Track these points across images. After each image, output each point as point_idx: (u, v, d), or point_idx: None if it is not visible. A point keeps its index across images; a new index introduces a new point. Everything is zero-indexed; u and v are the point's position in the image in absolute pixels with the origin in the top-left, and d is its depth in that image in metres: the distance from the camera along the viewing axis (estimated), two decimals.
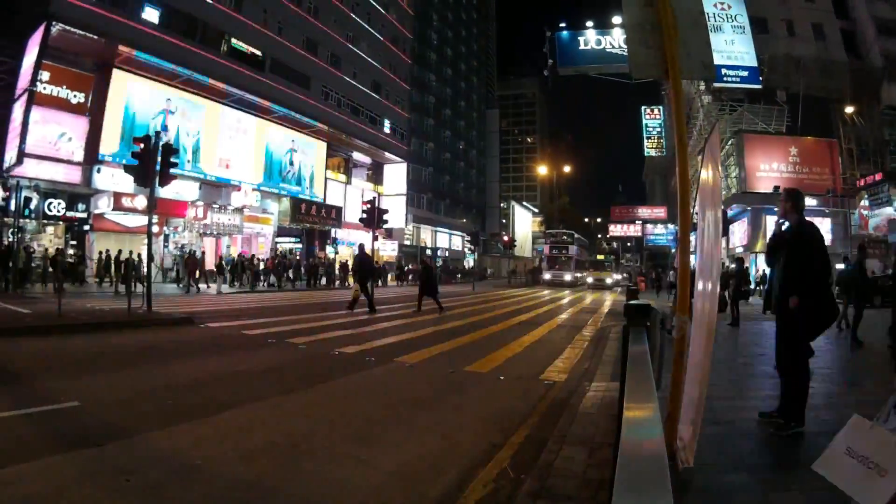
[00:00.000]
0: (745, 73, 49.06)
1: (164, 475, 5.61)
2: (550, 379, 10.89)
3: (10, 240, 31.23)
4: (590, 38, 55.02)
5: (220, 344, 14.68)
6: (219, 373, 10.85)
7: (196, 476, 5.63)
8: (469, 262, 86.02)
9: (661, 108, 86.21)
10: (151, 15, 40.25)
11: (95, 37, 35.91)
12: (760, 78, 49.33)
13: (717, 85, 49.66)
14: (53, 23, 33.80)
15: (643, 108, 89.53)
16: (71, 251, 36.15)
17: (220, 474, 5.72)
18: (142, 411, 7.86)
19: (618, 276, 73.93)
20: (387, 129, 70.83)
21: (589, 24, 56.34)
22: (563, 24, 56.63)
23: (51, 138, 35.38)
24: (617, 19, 52.64)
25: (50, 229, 37.84)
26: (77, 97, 36.93)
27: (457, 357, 13.10)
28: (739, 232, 54.42)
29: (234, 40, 47.22)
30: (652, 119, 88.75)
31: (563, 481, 5.30)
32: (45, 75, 34.82)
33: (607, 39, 54.46)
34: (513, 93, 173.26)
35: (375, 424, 7.68)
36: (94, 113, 37.72)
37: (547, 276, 68.43)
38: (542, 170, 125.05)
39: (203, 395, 9.07)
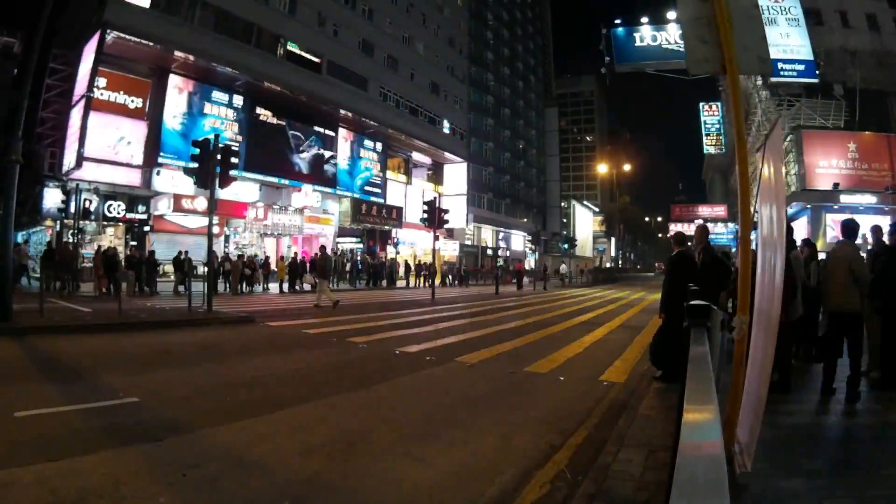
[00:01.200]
0: (802, 67, 46.55)
1: (221, 470, 5.61)
2: (610, 380, 10.61)
3: (69, 241, 31.64)
4: (645, 34, 54.19)
5: (280, 342, 14.64)
6: (278, 371, 10.80)
7: (253, 471, 5.63)
8: (531, 261, 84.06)
9: (719, 104, 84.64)
10: (206, 20, 40.25)
11: (150, 43, 36.05)
12: (817, 72, 47.57)
13: (773, 80, 48.03)
14: (108, 31, 33.97)
15: (701, 104, 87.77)
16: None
17: (277, 470, 5.68)
18: (200, 408, 7.90)
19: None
20: (446, 130, 69.72)
21: (644, 19, 55.74)
22: (618, 21, 56.11)
23: (109, 142, 35.69)
24: (672, 14, 51.93)
25: (110, 230, 38.36)
26: (135, 102, 37.18)
27: (517, 357, 12.86)
28: (799, 230, 52.76)
29: (290, 43, 47.00)
30: (710, 116, 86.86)
31: (620, 484, 5.19)
32: (101, 81, 35.14)
33: (663, 35, 53.55)
34: (570, 91, 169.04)
35: (434, 424, 7.57)
36: (153, 117, 37.97)
37: None
38: (602, 168, 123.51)
39: (262, 392, 9.05)
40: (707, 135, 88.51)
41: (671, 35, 51.92)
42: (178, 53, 38.17)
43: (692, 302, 5.00)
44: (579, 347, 14.71)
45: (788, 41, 46.60)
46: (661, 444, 6.17)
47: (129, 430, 6.77)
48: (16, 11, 33.45)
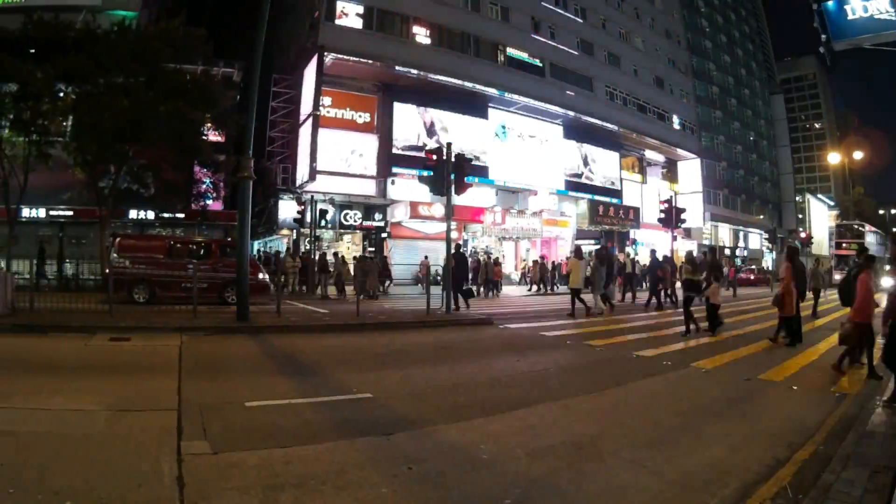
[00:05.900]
0: None
1: (447, 466, 5.36)
2: (843, 390, 9.21)
3: (307, 248, 31.20)
4: (855, 5, 49.89)
5: (517, 344, 13.57)
6: (512, 372, 10.08)
7: (479, 469, 5.36)
8: (768, 261, 74.75)
9: None
10: (420, 34, 38.26)
11: (369, 61, 34.67)
12: None
13: None
14: (325, 53, 33.11)
15: None
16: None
17: (503, 469, 5.37)
18: (433, 405, 7.57)
19: None
20: (676, 125, 62.67)
21: None
22: None
23: (342, 156, 34.54)
24: None
25: (347, 237, 37.54)
26: (363, 117, 35.89)
27: (751, 363, 11.55)
28: None
29: (509, 49, 43.40)
30: None
31: None
32: (326, 100, 34.41)
33: (873, 5, 49.37)
34: (792, 75, 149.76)
35: (663, 430, 6.97)
36: (382, 130, 36.08)
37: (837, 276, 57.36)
38: (834, 158, 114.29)
39: (496, 392, 8.51)
40: None
41: (881, 3, 48.19)
42: (398, 68, 35.88)
43: None
44: (814, 354, 12.50)
45: None
46: (886, 464, 5.48)
47: (359, 423, 6.60)
48: (230, 46, 36.94)
